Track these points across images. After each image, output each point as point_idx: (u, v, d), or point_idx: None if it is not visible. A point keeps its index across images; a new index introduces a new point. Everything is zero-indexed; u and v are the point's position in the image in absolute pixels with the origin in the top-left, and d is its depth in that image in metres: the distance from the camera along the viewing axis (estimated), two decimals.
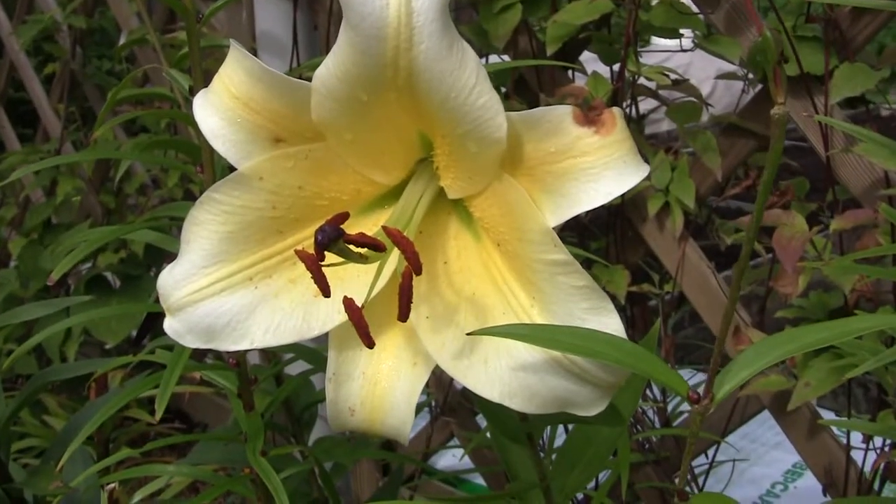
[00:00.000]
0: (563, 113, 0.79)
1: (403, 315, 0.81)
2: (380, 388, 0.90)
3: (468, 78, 0.77)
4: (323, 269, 0.84)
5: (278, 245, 0.90)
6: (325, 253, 0.83)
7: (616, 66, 1.81)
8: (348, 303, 0.81)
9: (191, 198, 2.55)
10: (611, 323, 0.80)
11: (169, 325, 0.89)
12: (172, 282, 0.89)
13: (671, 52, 1.82)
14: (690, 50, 1.66)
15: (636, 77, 1.78)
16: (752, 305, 1.94)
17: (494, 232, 0.87)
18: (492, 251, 0.88)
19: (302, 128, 0.87)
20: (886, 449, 1.61)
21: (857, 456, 1.70)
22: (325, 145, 0.88)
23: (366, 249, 0.81)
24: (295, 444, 1.59)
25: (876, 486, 1.64)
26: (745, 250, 0.75)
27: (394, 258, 0.88)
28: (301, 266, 0.89)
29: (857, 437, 1.65)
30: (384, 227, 0.80)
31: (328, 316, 0.89)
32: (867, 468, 1.66)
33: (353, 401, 0.91)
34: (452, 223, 0.92)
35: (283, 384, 1.20)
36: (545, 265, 0.82)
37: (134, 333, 3.01)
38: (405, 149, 0.89)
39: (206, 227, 0.88)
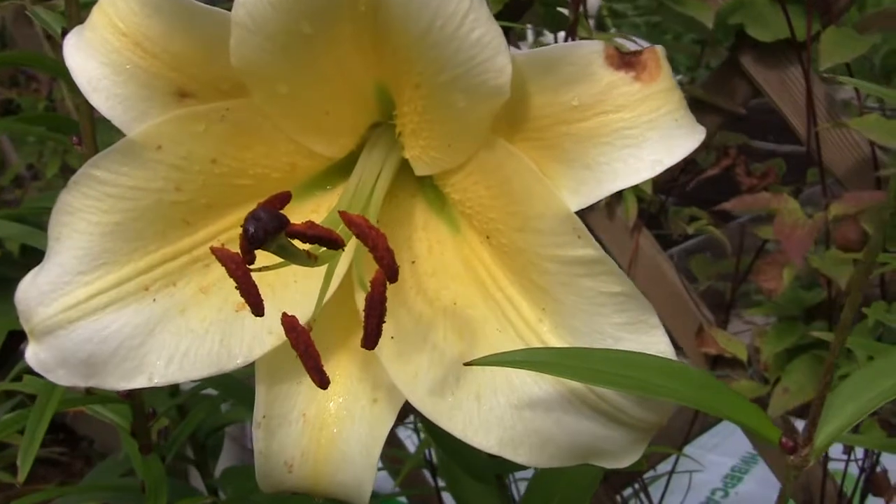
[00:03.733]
0: (591, 51, 0.57)
1: (372, 340, 0.57)
2: (327, 433, 0.67)
3: (459, 1, 0.54)
4: (253, 274, 0.60)
5: (185, 241, 0.65)
6: (257, 252, 0.59)
7: (561, 35, 1.59)
8: (290, 323, 0.57)
9: None
10: (656, 342, 0.58)
11: (34, 354, 0.64)
12: (37, 294, 0.63)
13: None
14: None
15: None
16: (707, 301, 1.76)
17: (481, 220, 0.65)
18: (476, 246, 0.66)
19: (217, 77, 0.63)
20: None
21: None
22: (249, 103, 0.64)
23: (316, 247, 0.57)
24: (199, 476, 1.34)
25: (856, 502, 1.48)
26: (847, 314, 0.54)
27: (346, 259, 0.64)
28: (216, 270, 0.65)
29: (835, 449, 1.48)
30: (343, 214, 0.57)
31: (255, 339, 0.64)
32: (848, 483, 1.50)
33: (290, 452, 0.67)
34: (419, 209, 0.69)
35: (189, 414, 0.95)
36: (562, 264, 0.59)
37: None
38: (356, 108, 0.66)
39: (83, 217, 0.63)
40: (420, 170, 0.66)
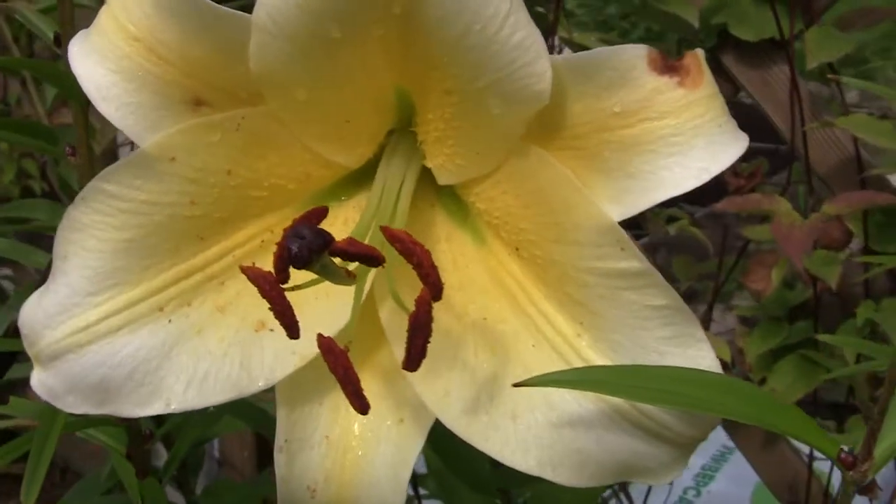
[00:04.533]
0: (634, 56, 0.55)
1: (415, 362, 0.54)
2: (351, 456, 0.63)
3: (499, 3, 0.52)
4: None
5: (198, 257, 0.62)
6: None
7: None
8: (327, 345, 0.54)
9: (29, 196, 2.16)
10: (702, 356, 0.56)
11: (40, 381, 0.60)
12: (43, 317, 0.59)
13: None
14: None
15: (560, 49, 1.55)
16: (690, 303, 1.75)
17: (510, 230, 0.62)
18: (504, 258, 0.63)
19: (233, 84, 0.60)
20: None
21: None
22: (265, 110, 0.60)
23: (356, 264, 0.54)
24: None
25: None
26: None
27: (372, 275, 0.61)
28: (231, 288, 0.62)
29: None
30: (386, 230, 0.54)
31: (278, 360, 0.61)
32: (834, 482, 1.50)
33: (313, 476, 0.63)
34: (439, 220, 0.66)
35: (181, 433, 0.90)
36: (603, 277, 0.57)
37: None
38: (376, 115, 0.63)
39: (92, 234, 0.59)
40: (443, 179, 0.63)
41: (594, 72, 0.55)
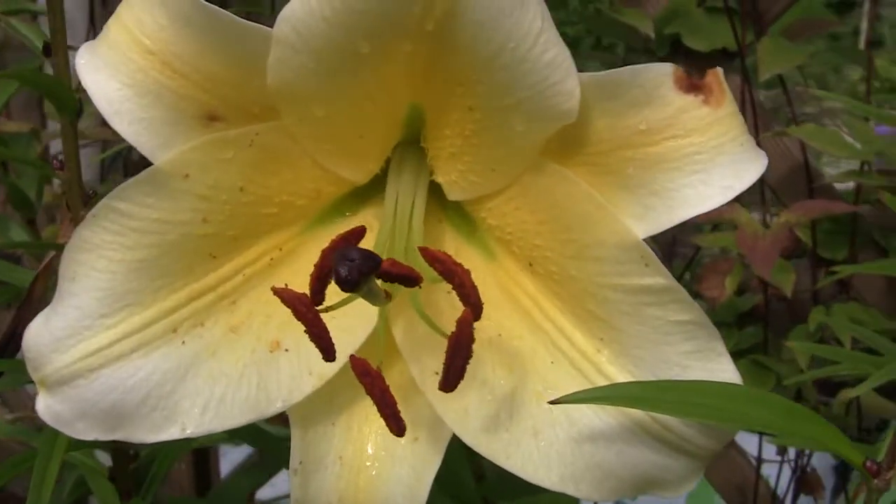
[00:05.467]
0: (661, 74, 0.55)
1: (453, 383, 0.54)
2: (365, 477, 0.63)
3: (532, 20, 0.52)
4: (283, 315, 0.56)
5: (210, 276, 0.60)
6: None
7: None
8: (362, 367, 0.53)
9: None
10: (723, 370, 0.57)
11: (47, 406, 0.57)
12: (50, 340, 0.57)
13: None
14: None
15: None
16: None
17: (523, 246, 0.62)
18: (517, 274, 0.63)
19: (248, 99, 0.58)
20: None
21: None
22: (278, 126, 0.59)
23: (395, 284, 0.53)
24: None
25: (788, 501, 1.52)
26: None
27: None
28: (243, 307, 0.61)
29: (768, 450, 1.52)
30: (425, 250, 0.53)
31: (295, 381, 0.60)
32: (781, 483, 1.54)
33: (327, 498, 0.62)
34: (447, 236, 0.66)
35: (161, 452, 0.88)
36: (626, 293, 0.57)
37: None
38: (387, 130, 0.62)
39: (103, 254, 0.57)
40: (455, 195, 0.63)
41: (620, 89, 0.55)
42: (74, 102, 0.66)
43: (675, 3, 1.39)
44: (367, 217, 0.65)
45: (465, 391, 0.61)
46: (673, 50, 1.43)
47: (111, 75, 0.56)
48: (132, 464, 0.79)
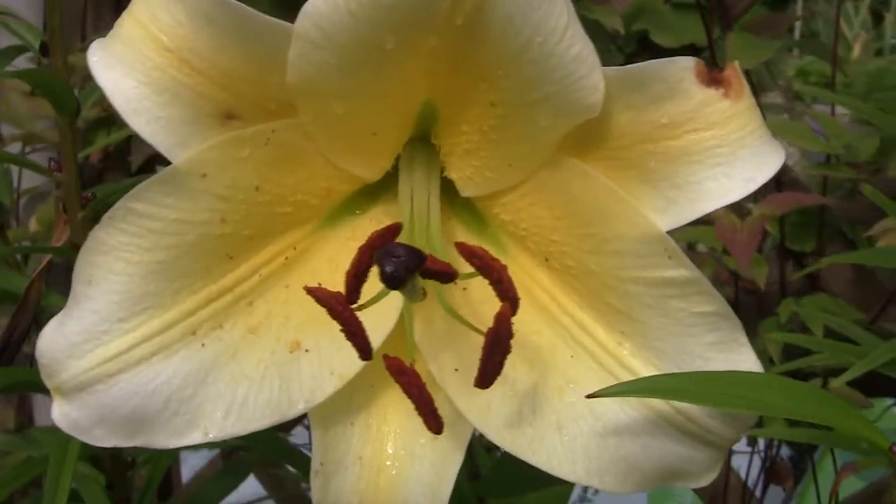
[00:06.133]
0: (683, 68, 0.56)
1: (490, 379, 0.54)
2: (385, 476, 0.62)
3: (559, 14, 0.52)
4: (297, 313, 0.56)
5: (227, 277, 0.59)
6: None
7: None
8: (397, 366, 0.52)
9: None
10: (745, 360, 0.58)
11: (63, 414, 0.56)
12: (66, 346, 0.55)
13: None
14: None
15: None
16: None
17: (538, 241, 0.62)
18: (532, 269, 0.63)
19: (265, 96, 0.57)
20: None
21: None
22: (293, 124, 0.58)
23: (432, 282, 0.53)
24: None
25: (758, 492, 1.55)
26: None
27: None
28: (260, 308, 0.60)
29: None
30: (462, 246, 0.53)
31: (316, 381, 0.59)
32: (752, 473, 1.56)
33: (347, 499, 0.62)
34: (458, 232, 0.66)
35: (155, 458, 0.86)
36: (648, 286, 0.58)
37: None
38: (399, 127, 0.62)
39: (120, 256, 0.55)
40: (468, 191, 0.63)
41: (643, 84, 0.56)
42: (74, 102, 0.64)
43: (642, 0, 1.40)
44: (378, 215, 0.65)
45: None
46: (640, 46, 1.44)
47: (126, 73, 0.55)
48: (130, 471, 0.78)
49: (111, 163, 1.59)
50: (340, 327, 0.52)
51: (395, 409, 0.63)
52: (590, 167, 0.59)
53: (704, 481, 0.61)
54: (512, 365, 0.61)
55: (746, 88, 0.57)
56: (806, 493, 1.73)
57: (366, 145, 0.61)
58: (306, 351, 0.59)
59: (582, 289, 0.61)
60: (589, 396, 0.53)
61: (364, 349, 0.52)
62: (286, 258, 0.61)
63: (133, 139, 1.53)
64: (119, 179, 1.68)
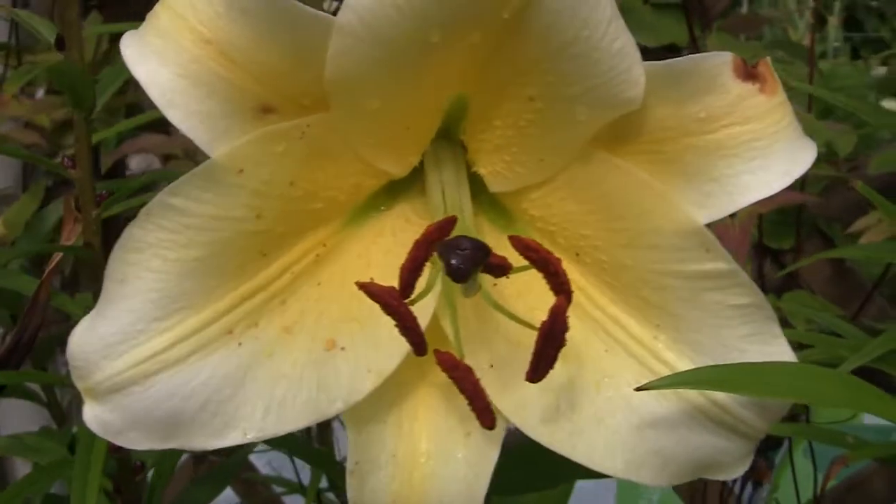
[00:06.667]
0: (721, 63, 0.56)
1: (543, 373, 0.53)
2: (419, 475, 0.61)
3: (604, 8, 0.52)
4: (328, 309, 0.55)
5: (261, 275, 0.58)
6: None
7: None
8: (449, 361, 0.52)
9: None
10: (780, 353, 0.58)
11: (95, 416, 0.54)
12: (100, 347, 0.54)
13: None
14: None
15: None
16: None
17: (568, 237, 0.62)
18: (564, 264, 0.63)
19: (300, 91, 0.57)
20: None
21: None
22: (326, 118, 0.58)
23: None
24: None
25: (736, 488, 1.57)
26: None
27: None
28: (293, 306, 0.59)
29: None
30: (516, 239, 0.52)
31: (354, 379, 0.58)
32: None
33: (382, 499, 0.61)
34: (484, 228, 0.65)
35: (159, 466, 0.84)
36: (685, 279, 0.58)
37: None
38: (429, 122, 0.61)
39: (157, 253, 0.54)
40: (497, 186, 0.63)
41: (681, 78, 0.56)
42: (93, 97, 0.62)
43: (621, 0, 1.41)
44: (404, 211, 0.64)
45: (521, 384, 0.60)
46: None
47: (162, 65, 0.53)
48: (138, 476, 0.76)
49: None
50: (395, 322, 0.51)
51: (426, 407, 0.63)
52: (623, 161, 0.59)
53: (736, 472, 0.61)
54: None
55: (779, 84, 0.58)
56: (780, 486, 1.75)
57: (397, 140, 0.60)
58: (342, 349, 0.58)
59: (615, 283, 0.61)
60: (637, 389, 0.53)
61: (419, 344, 0.51)
62: (316, 255, 0.61)
63: (102, 143, 1.50)
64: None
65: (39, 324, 0.69)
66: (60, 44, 0.62)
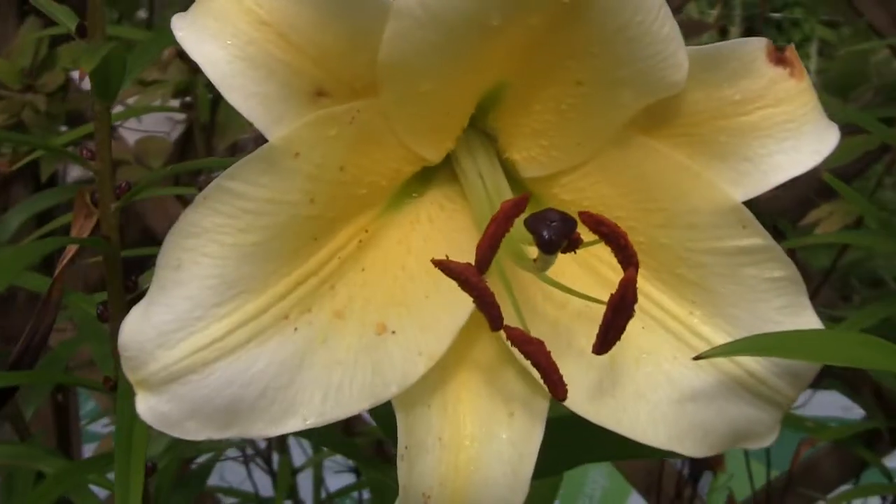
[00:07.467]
0: (756, 48, 0.59)
1: (610, 344, 0.55)
2: (464, 457, 0.62)
3: None
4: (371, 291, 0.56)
5: (312, 260, 0.58)
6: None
7: None
8: (520, 336, 0.53)
9: None
10: (811, 324, 0.61)
11: (150, 408, 0.53)
12: (156, 336, 0.53)
13: None
14: None
15: None
16: None
17: None
18: (594, 247, 0.64)
19: (352, 74, 0.57)
20: None
21: None
22: (374, 103, 0.58)
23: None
24: None
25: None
26: None
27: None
28: (342, 291, 0.59)
29: None
30: (587, 215, 0.53)
31: (407, 362, 0.58)
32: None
33: (428, 482, 0.61)
34: None
35: (162, 469, 0.81)
36: (722, 256, 0.60)
37: None
38: (467, 107, 0.62)
39: (214, 238, 0.53)
40: (531, 171, 0.64)
41: (720, 62, 0.58)
42: (119, 86, 0.61)
43: None
44: (437, 198, 0.65)
45: (564, 363, 0.61)
46: None
47: (220, 46, 0.53)
48: (150, 476, 0.74)
49: (19, 171, 1.51)
50: (474, 298, 0.51)
51: (468, 389, 0.63)
52: (659, 144, 0.61)
53: (767, 441, 0.64)
54: (586, 339, 0.62)
55: (805, 70, 0.60)
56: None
57: (438, 125, 0.61)
58: (393, 333, 0.58)
59: (650, 262, 0.62)
60: (696, 358, 0.56)
61: (497, 318, 0.52)
62: (360, 241, 0.61)
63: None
64: (26, 190, 1.60)
65: (52, 323, 0.67)
66: (81, 31, 0.61)
